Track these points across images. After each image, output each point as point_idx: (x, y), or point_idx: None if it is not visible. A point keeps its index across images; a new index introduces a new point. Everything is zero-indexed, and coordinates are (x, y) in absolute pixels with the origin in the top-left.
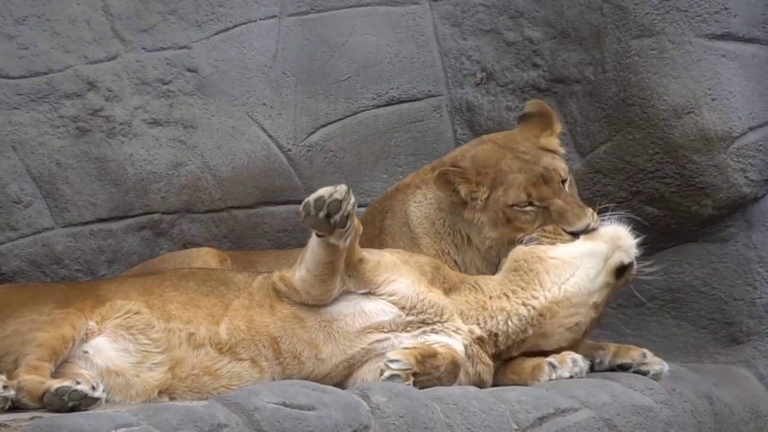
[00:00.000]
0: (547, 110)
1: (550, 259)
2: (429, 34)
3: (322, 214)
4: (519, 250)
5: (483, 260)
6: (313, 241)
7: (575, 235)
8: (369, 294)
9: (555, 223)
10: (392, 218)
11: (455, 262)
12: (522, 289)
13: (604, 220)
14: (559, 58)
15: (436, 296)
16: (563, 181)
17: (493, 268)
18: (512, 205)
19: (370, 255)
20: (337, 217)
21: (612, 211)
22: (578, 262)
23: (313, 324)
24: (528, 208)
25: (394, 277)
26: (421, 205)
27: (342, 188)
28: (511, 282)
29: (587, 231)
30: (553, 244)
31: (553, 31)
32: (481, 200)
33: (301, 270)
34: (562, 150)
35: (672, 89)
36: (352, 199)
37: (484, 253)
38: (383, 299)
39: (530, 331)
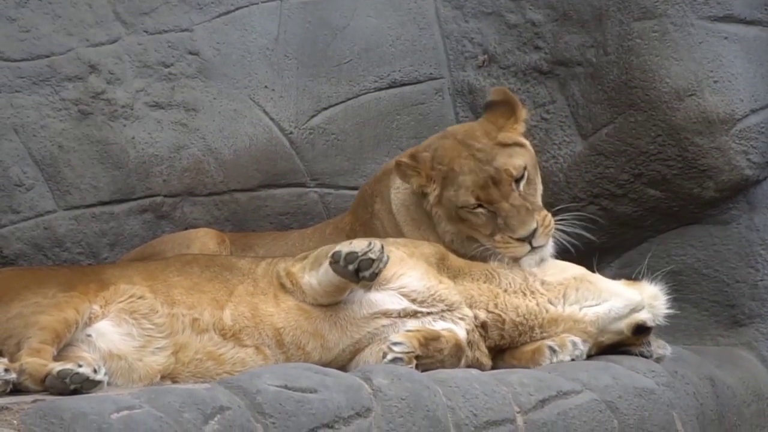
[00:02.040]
0: (511, 97)
1: (585, 280)
2: (431, 17)
3: (351, 268)
4: (560, 261)
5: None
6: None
7: (523, 240)
8: (377, 287)
9: (501, 231)
10: (381, 203)
11: None
12: (542, 294)
13: (560, 221)
14: (560, 41)
15: (446, 288)
16: (517, 180)
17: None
18: (462, 207)
19: None
20: (367, 273)
21: (571, 212)
22: (608, 296)
23: (318, 315)
24: (478, 210)
25: (402, 270)
26: (398, 191)
27: (376, 247)
28: (534, 280)
29: (534, 235)
30: (511, 253)
31: (555, 14)
32: (433, 196)
33: (311, 277)
34: (524, 140)
35: (674, 71)
36: (385, 257)
37: (448, 244)
38: (392, 290)
39: (537, 332)
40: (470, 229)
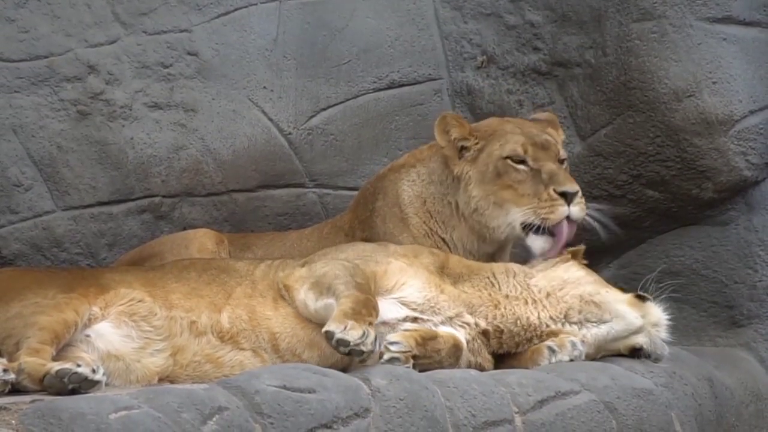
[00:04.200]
0: (556, 120)
1: (591, 302)
2: (430, 18)
3: (342, 350)
4: (570, 267)
5: (470, 234)
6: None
7: (566, 196)
8: (378, 296)
9: (546, 186)
10: (383, 199)
11: (443, 240)
12: (544, 307)
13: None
14: (559, 42)
15: (446, 299)
16: (560, 160)
17: (480, 243)
18: (507, 158)
19: (377, 266)
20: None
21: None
22: (610, 317)
23: (316, 326)
24: (521, 167)
25: (404, 279)
26: (414, 183)
27: (370, 338)
28: (539, 291)
29: (575, 198)
30: (551, 213)
31: (554, 15)
32: (473, 149)
33: (307, 297)
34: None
35: (673, 73)
36: (377, 349)
37: (470, 219)
38: (393, 300)
39: (535, 341)
40: (504, 189)
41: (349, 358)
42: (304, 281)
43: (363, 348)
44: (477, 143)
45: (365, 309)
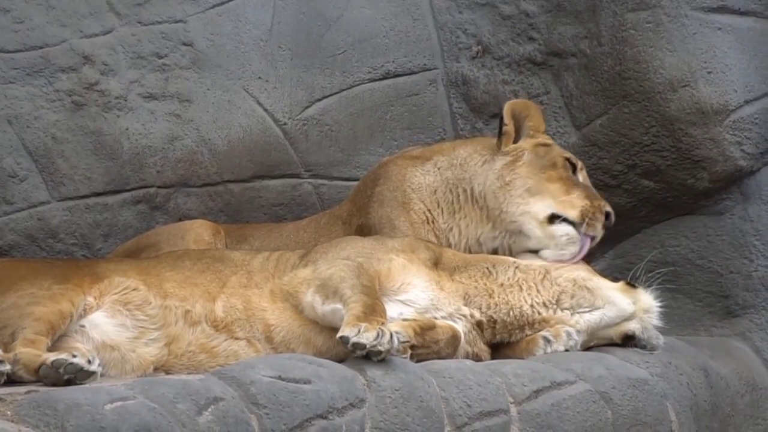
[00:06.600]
0: None
1: (583, 286)
2: (425, 8)
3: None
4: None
5: (479, 222)
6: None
7: (607, 218)
8: (383, 296)
9: (597, 199)
10: (384, 183)
11: (442, 230)
12: (538, 292)
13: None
14: (554, 32)
15: (446, 296)
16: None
17: (487, 232)
18: (567, 159)
19: (380, 264)
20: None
21: None
22: (603, 303)
23: (313, 327)
24: (572, 174)
25: (408, 279)
26: (428, 173)
27: (385, 338)
28: (532, 278)
29: (610, 224)
30: (595, 221)
31: (549, 5)
32: (541, 141)
33: (314, 299)
34: None
35: (668, 62)
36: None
37: (490, 199)
38: (398, 301)
39: (528, 331)
40: (551, 181)
41: (345, 353)
42: (309, 284)
43: (380, 348)
44: (547, 139)
45: (374, 313)
